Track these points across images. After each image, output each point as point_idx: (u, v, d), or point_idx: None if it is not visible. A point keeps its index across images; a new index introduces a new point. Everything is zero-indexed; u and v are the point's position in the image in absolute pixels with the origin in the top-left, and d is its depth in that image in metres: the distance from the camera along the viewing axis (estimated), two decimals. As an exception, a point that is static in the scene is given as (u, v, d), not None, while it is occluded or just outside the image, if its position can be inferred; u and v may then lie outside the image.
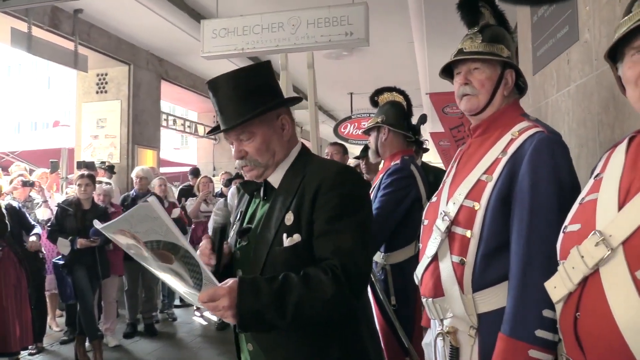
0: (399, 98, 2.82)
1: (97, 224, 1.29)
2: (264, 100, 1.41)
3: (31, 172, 5.87)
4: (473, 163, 1.52)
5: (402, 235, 2.59)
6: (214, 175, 9.74)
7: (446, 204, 1.52)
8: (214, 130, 1.56)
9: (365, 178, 4.46)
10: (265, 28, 5.16)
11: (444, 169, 4.56)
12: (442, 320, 1.51)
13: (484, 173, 1.44)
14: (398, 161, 2.61)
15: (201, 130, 10.10)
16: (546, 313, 1.26)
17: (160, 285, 5.88)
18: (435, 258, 1.50)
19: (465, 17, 1.70)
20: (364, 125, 9.53)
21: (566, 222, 1.16)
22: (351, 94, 9.84)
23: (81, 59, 5.82)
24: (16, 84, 47.73)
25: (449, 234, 1.47)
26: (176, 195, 6.75)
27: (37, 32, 5.29)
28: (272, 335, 1.32)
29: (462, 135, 6.60)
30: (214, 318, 5.92)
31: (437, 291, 1.49)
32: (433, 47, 6.46)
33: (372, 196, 2.67)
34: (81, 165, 5.36)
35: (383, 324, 2.63)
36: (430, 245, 1.52)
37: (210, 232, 1.55)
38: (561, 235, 1.15)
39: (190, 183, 7.25)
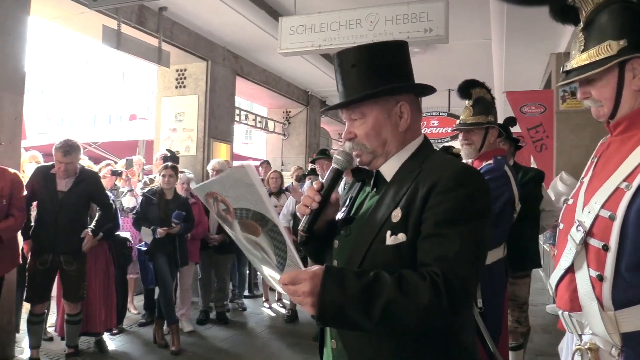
0: (489, 96, 2.75)
1: (193, 185, 1.32)
2: (386, 81, 1.30)
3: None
4: (613, 166, 1.35)
5: (492, 237, 2.53)
6: (282, 170, 9.92)
7: (582, 210, 1.38)
8: (332, 108, 1.46)
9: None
10: (342, 25, 5.18)
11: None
12: (580, 336, 1.39)
13: (624, 180, 1.28)
14: (491, 161, 2.55)
15: (271, 125, 10.28)
16: None
17: (230, 275, 6.07)
18: (570, 270, 1.38)
19: (561, 19, 1.49)
20: (434, 123, 9.39)
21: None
22: (421, 91, 9.69)
23: (164, 55, 6.07)
24: (93, 79, 50.42)
25: (585, 245, 1.33)
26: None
27: (125, 29, 5.56)
28: (359, 335, 1.24)
29: (541, 135, 6.36)
30: (283, 310, 6.04)
31: (574, 305, 1.37)
32: (512, 45, 6.27)
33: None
34: (167, 159, 5.59)
35: (468, 327, 2.58)
36: (565, 256, 1.39)
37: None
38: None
39: (262, 177, 7.41)
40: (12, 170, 3.72)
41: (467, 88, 2.69)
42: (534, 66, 7.35)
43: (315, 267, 1.13)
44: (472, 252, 1.15)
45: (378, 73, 1.30)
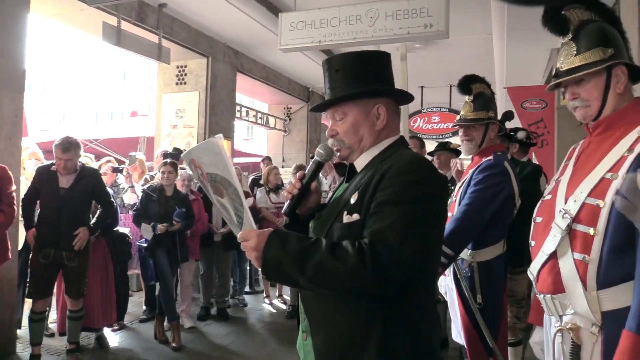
0: (489, 91, 2.74)
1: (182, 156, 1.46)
2: (366, 85, 1.45)
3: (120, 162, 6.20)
4: (595, 161, 1.50)
5: (491, 233, 2.54)
6: (282, 167, 9.92)
7: (564, 202, 1.52)
8: (317, 107, 1.64)
9: (440, 172, 4.39)
10: (342, 21, 5.16)
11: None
12: (560, 317, 1.51)
13: (609, 171, 1.43)
14: (491, 157, 2.55)
15: (272, 122, 10.27)
16: None
17: (231, 271, 6.07)
18: (553, 255, 1.51)
19: (551, 28, 1.70)
20: (435, 119, 9.37)
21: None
22: (422, 87, 9.67)
23: (164, 52, 6.07)
24: (94, 75, 50.40)
25: (570, 231, 1.46)
26: (248, 185, 6.92)
27: (125, 26, 5.55)
28: (316, 313, 1.40)
29: (542, 131, 6.34)
30: (284, 306, 6.05)
31: (557, 287, 1.49)
32: (513, 40, 6.24)
33: (460, 192, 2.63)
34: (167, 155, 5.58)
35: (467, 323, 2.59)
36: (549, 242, 1.53)
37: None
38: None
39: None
40: (0, 164, 3.70)
41: (467, 83, 2.69)
42: (535, 61, 7.32)
43: (267, 229, 1.32)
44: (404, 228, 1.24)
45: (359, 78, 1.46)
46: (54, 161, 4.06)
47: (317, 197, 1.60)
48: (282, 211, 1.58)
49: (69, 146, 3.93)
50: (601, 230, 1.40)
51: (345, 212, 1.37)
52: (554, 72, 1.61)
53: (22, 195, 4.19)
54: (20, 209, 4.09)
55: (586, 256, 1.42)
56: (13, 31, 4.20)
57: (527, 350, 3.56)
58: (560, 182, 1.61)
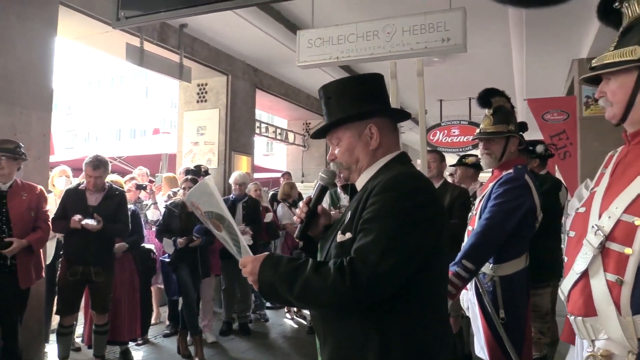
0: (508, 105, 2.74)
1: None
2: (356, 109, 1.51)
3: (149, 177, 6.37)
4: (633, 173, 1.36)
5: (513, 247, 2.52)
6: (302, 182, 9.96)
7: (598, 217, 1.39)
8: (313, 136, 1.73)
9: (462, 186, 4.38)
10: (360, 37, 5.21)
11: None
12: (593, 342, 1.39)
13: None
14: (511, 170, 2.54)
15: (291, 137, 10.36)
16: None
17: (252, 286, 6.09)
18: (585, 274, 1.39)
19: (606, 22, 1.54)
20: (454, 132, 9.33)
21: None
22: (441, 100, 9.66)
23: (185, 71, 6.19)
24: (118, 94, 51.47)
25: (603, 249, 1.34)
26: (268, 200, 6.98)
27: (147, 46, 5.70)
28: (322, 328, 1.47)
29: (564, 142, 6.27)
30: (304, 321, 6.05)
31: (588, 310, 1.37)
32: (532, 51, 6.22)
33: (481, 205, 2.62)
34: (189, 172, 5.69)
35: (490, 338, 2.56)
36: (580, 260, 1.40)
37: None
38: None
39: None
40: (37, 185, 3.84)
41: (487, 97, 2.69)
42: (556, 73, 7.27)
43: (262, 254, 1.42)
44: (385, 243, 1.27)
45: (351, 102, 1.52)
46: (82, 181, 4.20)
47: (326, 219, 1.67)
48: (295, 235, 1.69)
49: (99, 164, 4.07)
50: (637, 250, 1.27)
51: (340, 232, 1.44)
52: (592, 62, 1.47)
53: (51, 212, 4.31)
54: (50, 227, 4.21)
55: (620, 277, 1.29)
56: (41, 54, 4.36)
57: (552, 366, 3.50)
58: (595, 194, 1.47)
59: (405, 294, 1.32)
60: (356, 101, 1.52)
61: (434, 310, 1.41)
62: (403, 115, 1.63)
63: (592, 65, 1.46)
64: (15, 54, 4.11)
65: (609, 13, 1.48)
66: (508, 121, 2.63)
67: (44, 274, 3.86)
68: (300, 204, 1.65)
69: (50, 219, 3.89)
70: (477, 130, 2.76)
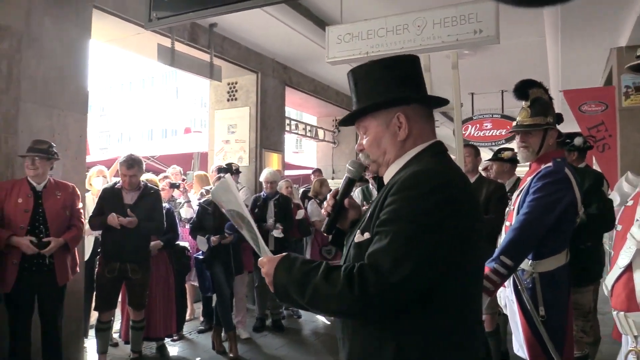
0: (546, 96, 2.65)
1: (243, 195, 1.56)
2: (383, 96, 1.38)
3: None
4: None
5: (553, 242, 2.44)
6: (332, 178, 9.95)
7: None
8: (340, 124, 1.64)
9: (498, 181, 4.28)
10: (389, 31, 5.15)
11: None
12: (636, 337, 1.39)
13: None
14: (550, 164, 2.46)
15: (321, 134, 10.35)
16: None
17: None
18: (628, 269, 1.38)
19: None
20: (487, 126, 9.16)
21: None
22: (472, 94, 9.49)
23: (216, 70, 6.25)
24: (149, 95, 52.46)
25: None
26: (299, 196, 6.99)
27: (178, 46, 5.77)
28: (341, 328, 1.39)
29: (603, 134, 6.08)
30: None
31: (631, 305, 1.37)
32: (568, 41, 6.04)
33: (519, 200, 2.55)
34: (221, 170, 5.76)
35: (530, 336, 2.49)
36: (623, 254, 1.40)
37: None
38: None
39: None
40: (69, 183, 3.91)
41: (524, 88, 2.61)
42: (593, 62, 7.04)
43: (280, 255, 1.35)
44: (398, 248, 1.17)
45: (377, 88, 1.40)
46: (118, 180, 4.29)
47: (356, 212, 1.58)
48: (322, 229, 1.61)
49: (133, 163, 4.16)
50: None
51: (359, 231, 1.35)
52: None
53: (87, 211, 4.43)
54: (87, 225, 4.32)
55: None
56: (76, 57, 4.46)
57: (594, 365, 3.40)
58: None
59: (427, 299, 1.22)
60: (383, 87, 1.39)
61: (459, 314, 1.27)
62: (438, 101, 1.46)
63: None
64: (52, 58, 4.21)
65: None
66: (546, 113, 2.55)
67: (78, 270, 3.93)
68: (328, 196, 1.60)
69: (83, 217, 3.95)
70: (514, 123, 2.68)
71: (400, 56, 1.45)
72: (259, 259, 1.41)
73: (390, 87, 1.38)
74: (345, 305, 1.19)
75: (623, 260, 1.38)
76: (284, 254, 1.37)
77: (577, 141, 3.79)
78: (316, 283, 1.22)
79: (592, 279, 3.31)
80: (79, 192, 3.93)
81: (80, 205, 3.90)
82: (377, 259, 1.18)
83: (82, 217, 3.90)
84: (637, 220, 1.36)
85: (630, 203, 1.49)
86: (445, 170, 1.31)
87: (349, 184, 1.57)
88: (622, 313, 1.39)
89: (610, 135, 6.12)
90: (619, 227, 1.47)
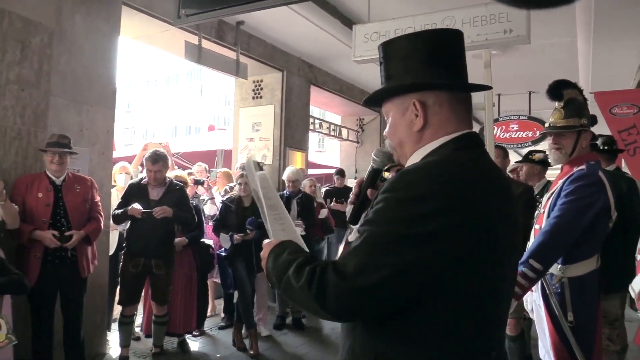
0: (581, 97, 2.59)
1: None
2: (406, 78, 1.23)
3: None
4: None
5: (584, 247, 2.38)
6: (355, 178, 9.91)
7: None
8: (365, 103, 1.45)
9: (529, 184, 4.20)
10: (417, 30, 5.11)
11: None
12: None
13: None
14: (583, 166, 2.40)
15: (344, 133, 10.32)
16: None
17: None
18: None
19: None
20: (513, 128, 9.02)
21: None
22: (499, 95, 9.33)
23: (242, 68, 6.28)
24: (174, 93, 53.09)
25: None
26: (322, 196, 6.98)
27: (205, 44, 5.81)
28: (341, 332, 1.29)
29: (634, 138, 5.91)
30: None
31: None
32: (600, 42, 5.89)
33: (549, 203, 2.49)
34: (243, 166, 5.80)
35: (557, 342, 2.44)
36: None
37: None
38: None
39: (336, 185, 7.45)
40: (88, 176, 3.94)
41: (558, 89, 2.55)
42: (625, 64, 6.86)
43: (276, 240, 1.29)
44: (366, 254, 1.06)
45: (398, 69, 1.25)
46: (144, 176, 4.33)
47: (372, 193, 1.46)
48: (347, 219, 1.51)
49: (157, 158, 4.20)
50: None
51: (355, 229, 1.25)
52: None
53: (112, 207, 4.48)
54: (111, 220, 4.37)
55: None
56: (105, 53, 4.52)
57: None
58: None
59: (410, 308, 1.09)
60: (404, 69, 1.23)
61: (457, 325, 1.10)
62: (466, 87, 1.26)
63: None
64: (82, 54, 4.28)
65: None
66: (580, 114, 2.49)
67: (97, 262, 3.95)
68: (354, 186, 1.51)
69: (102, 209, 3.94)
70: (547, 124, 2.62)
71: (434, 31, 1.27)
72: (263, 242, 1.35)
73: (412, 69, 1.22)
74: (304, 301, 1.13)
75: None
76: (282, 238, 1.30)
77: (599, 142, 3.69)
78: (289, 274, 1.15)
79: (621, 286, 3.22)
80: (96, 185, 3.94)
81: (98, 197, 3.91)
82: (346, 261, 1.08)
83: (101, 209, 3.90)
84: None
85: None
86: (457, 169, 1.11)
87: (374, 174, 1.47)
88: None
89: (643, 138, 5.95)
90: None
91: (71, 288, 3.64)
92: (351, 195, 1.50)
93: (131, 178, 5.36)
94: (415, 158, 1.23)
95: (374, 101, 1.32)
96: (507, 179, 1.23)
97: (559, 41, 6.42)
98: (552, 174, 3.90)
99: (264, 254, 1.29)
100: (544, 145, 3.96)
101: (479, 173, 1.14)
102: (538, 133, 9.10)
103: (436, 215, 1.04)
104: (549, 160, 2.71)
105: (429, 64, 1.21)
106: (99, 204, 3.92)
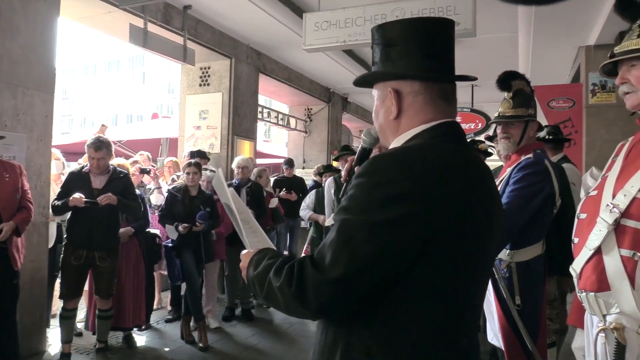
0: (528, 88, 2.68)
1: (215, 180, 1.66)
2: (387, 65, 1.23)
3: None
4: None
5: (530, 232, 2.48)
6: (303, 168, 9.91)
7: (612, 197, 1.48)
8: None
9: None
10: (367, 20, 5.14)
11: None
12: (604, 316, 1.46)
13: None
14: (530, 155, 2.49)
15: (292, 122, 10.27)
16: None
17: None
18: (598, 251, 1.46)
19: (623, 15, 1.61)
20: (457, 119, 9.27)
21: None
22: (443, 87, 9.59)
23: (189, 53, 6.10)
24: (114, 79, 51.09)
25: (617, 227, 1.43)
26: (270, 185, 6.92)
27: (151, 28, 5.59)
28: (317, 325, 1.26)
29: (570, 130, 6.23)
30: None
31: (602, 285, 1.45)
32: (540, 37, 6.15)
33: (498, 190, 2.57)
34: (194, 154, 5.65)
35: (505, 325, 2.53)
36: (593, 237, 1.48)
37: None
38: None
39: (285, 174, 7.41)
40: (16, 162, 3.68)
41: (507, 79, 2.62)
42: (562, 60, 7.20)
43: (254, 250, 1.29)
44: (339, 243, 1.05)
45: (382, 55, 1.25)
46: (85, 164, 4.12)
47: None
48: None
49: (101, 145, 4.00)
50: None
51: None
52: (615, 50, 1.54)
53: (50, 196, 4.25)
54: (51, 210, 4.15)
55: (637, 252, 1.37)
56: (44, 34, 4.25)
57: (562, 353, 3.49)
58: (607, 178, 1.57)
59: (373, 298, 1.08)
60: (386, 55, 1.23)
61: (423, 313, 1.09)
62: (438, 78, 1.21)
63: (615, 52, 1.53)
64: (18, 34, 4.01)
65: (627, 7, 1.56)
66: (528, 105, 2.58)
67: (24, 251, 3.64)
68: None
69: (31, 198, 3.67)
70: (496, 114, 2.70)
71: (423, 20, 1.27)
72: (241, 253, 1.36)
73: (392, 57, 1.22)
74: (285, 301, 1.10)
75: (593, 242, 1.45)
76: (259, 248, 1.29)
77: (542, 133, 3.87)
78: (270, 277, 1.13)
79: (556, 269, 3.38)
80: (25, 172, 3.67)
81: (27, 185, 3.65)
82: (322, 252, 1.07)
83: (31, 197, 3.64)
84: (607, 205, 1.44)
85: (594, 193, 1.58)
86: (428, 156, 1.10)
87: (363, 153, 1.50)
88: (592, 294, 1.46)
89: (577, 132, 6.29)
90: (582, 216, 1.58)
91: (4, 283, 3.41)
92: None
93: (63, 165, 5.11)
94: (395, 144, 1.23)
95: (362, 84, 1.34)
96: (485, 169, 1.23)
97: (501, 36, 6.66)
98: (492, 165, 4.07)
99: (243, 264, 1.28)
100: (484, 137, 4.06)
101: (451, 160, 1.13)
102: (480, 125, 9.44)
103: (405, 200, 1.04)
104: (499, 149, 2.79)
105: (407, 54, 1.20)
106: (29, 191, 3.65)
